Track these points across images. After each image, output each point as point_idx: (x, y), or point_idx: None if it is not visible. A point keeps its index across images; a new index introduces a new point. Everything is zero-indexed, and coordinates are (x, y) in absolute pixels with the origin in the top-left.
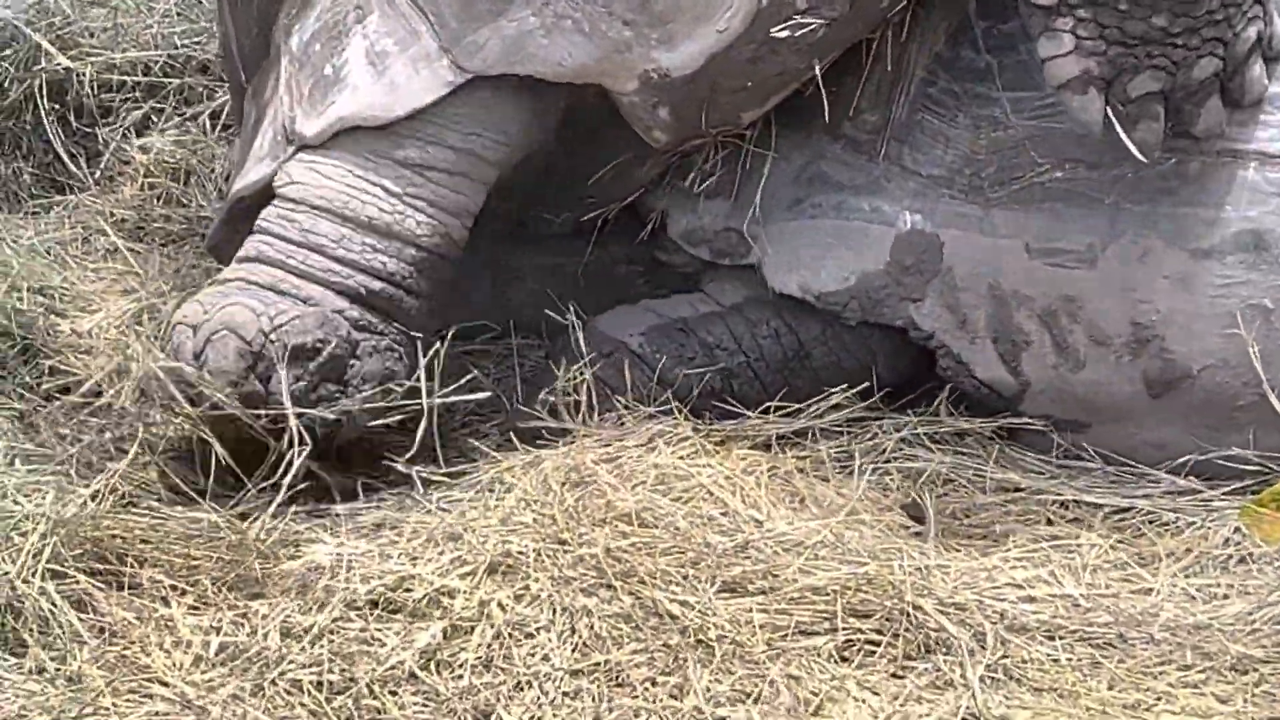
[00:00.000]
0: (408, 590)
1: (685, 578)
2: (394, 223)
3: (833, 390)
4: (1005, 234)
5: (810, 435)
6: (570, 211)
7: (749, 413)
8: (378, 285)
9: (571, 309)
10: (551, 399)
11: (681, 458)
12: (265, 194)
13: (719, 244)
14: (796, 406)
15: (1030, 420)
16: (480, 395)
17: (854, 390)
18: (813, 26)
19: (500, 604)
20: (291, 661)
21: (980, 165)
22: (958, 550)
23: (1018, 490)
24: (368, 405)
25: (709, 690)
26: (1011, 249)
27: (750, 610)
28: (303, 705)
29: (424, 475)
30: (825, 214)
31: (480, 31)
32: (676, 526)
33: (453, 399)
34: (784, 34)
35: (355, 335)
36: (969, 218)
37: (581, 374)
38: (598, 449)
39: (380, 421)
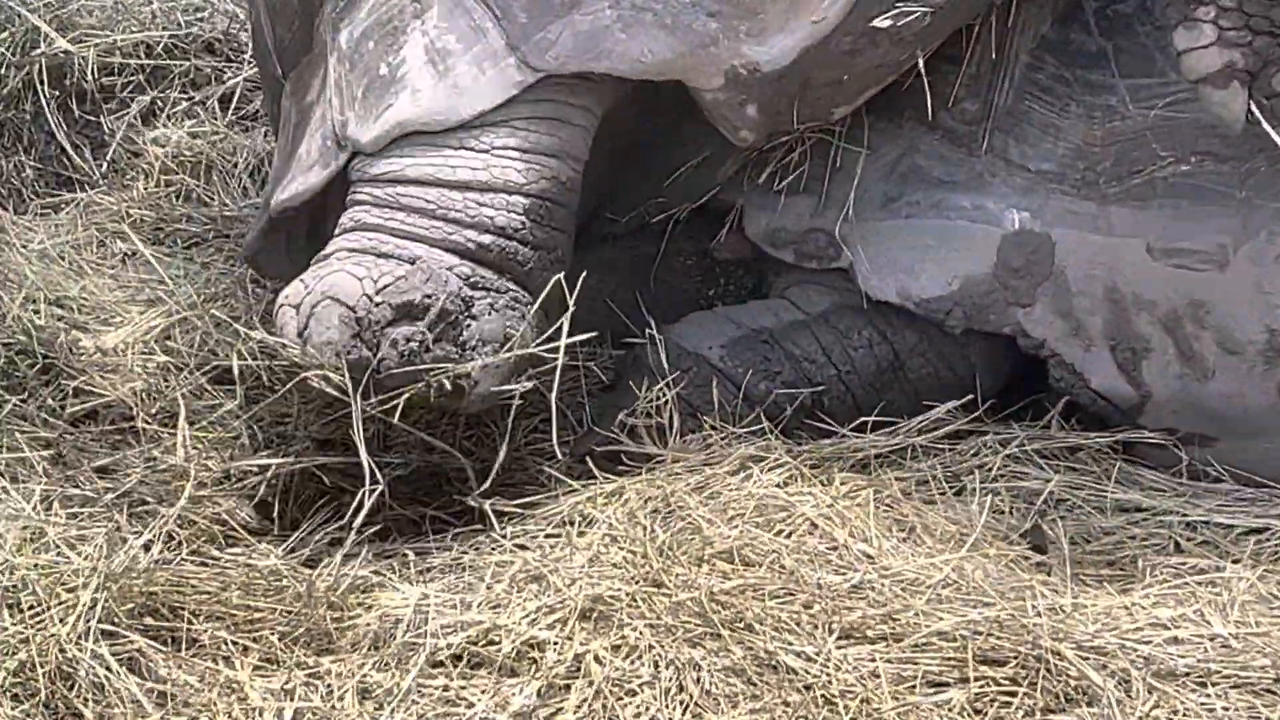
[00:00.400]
0: (493, 643)
1: (799, 624)
2: (491, 178)
3: (932, 404)
4: (1124, 233)
5: (910, 453)
6: (638, 211)
7: (845, 431)
8: (488, 239)
9: (650, 323)
10: (632, 420)
11: (779, 485)
12: (313, 204)
13: (805, 246)
14: (895, 423)
15: (1151, 434)
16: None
17: (956, 404)
18: (916, 14)
19: (596, 657)
20: None
21: (1095, 158)
22: (1089, 584)
23: (1139, 510)
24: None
25: None
26: (1131, 249)
27: (873, 660)
28: None
29: (496, 508)
30: (923, 213)
31: (551, 27)
32: (782, 565)
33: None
34: (885, 23)
35: (468, 292)
36: (1083, 215)
37: (664, 393)
38: (687, 476)
39: (506, 389)
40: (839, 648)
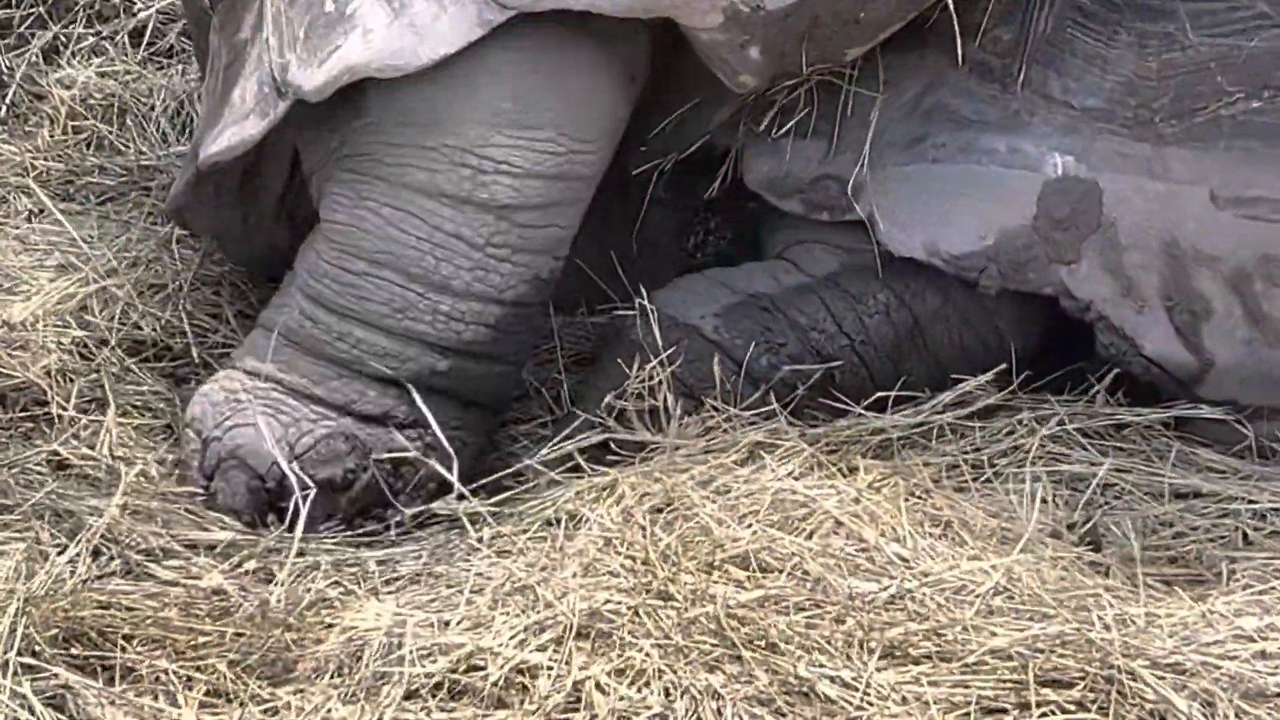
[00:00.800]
0: (477, 668)
1: (832, 643)
2: (474, 281)
3: (958, 376)
4: (1184, 179)
5: (936, 434)
6: (618, 163)
7: (860, 410)
8: (446, 364)
9: (639, 290)
10: (620, 403)
11: (795, 477)
12: (248, 158)
13: (814, 196)
14: (916, 399)
15: (1212, 408)
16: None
17: (984, 377)
18: None
19: (598, 684)
20: None
21: (1149, 94)
22: (1155, 589)
23: (1198, 496)
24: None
25: None
26: (1192, 197)
27: (919, 684)
28: None
29: (471, 510)
30: (951, 157)
31: None
32: (806, 571)
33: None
34: None
35: (400, 442)
36: (1136, 159)
37: (656, 371)
38: (689, 468)
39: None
40: (880, 670)
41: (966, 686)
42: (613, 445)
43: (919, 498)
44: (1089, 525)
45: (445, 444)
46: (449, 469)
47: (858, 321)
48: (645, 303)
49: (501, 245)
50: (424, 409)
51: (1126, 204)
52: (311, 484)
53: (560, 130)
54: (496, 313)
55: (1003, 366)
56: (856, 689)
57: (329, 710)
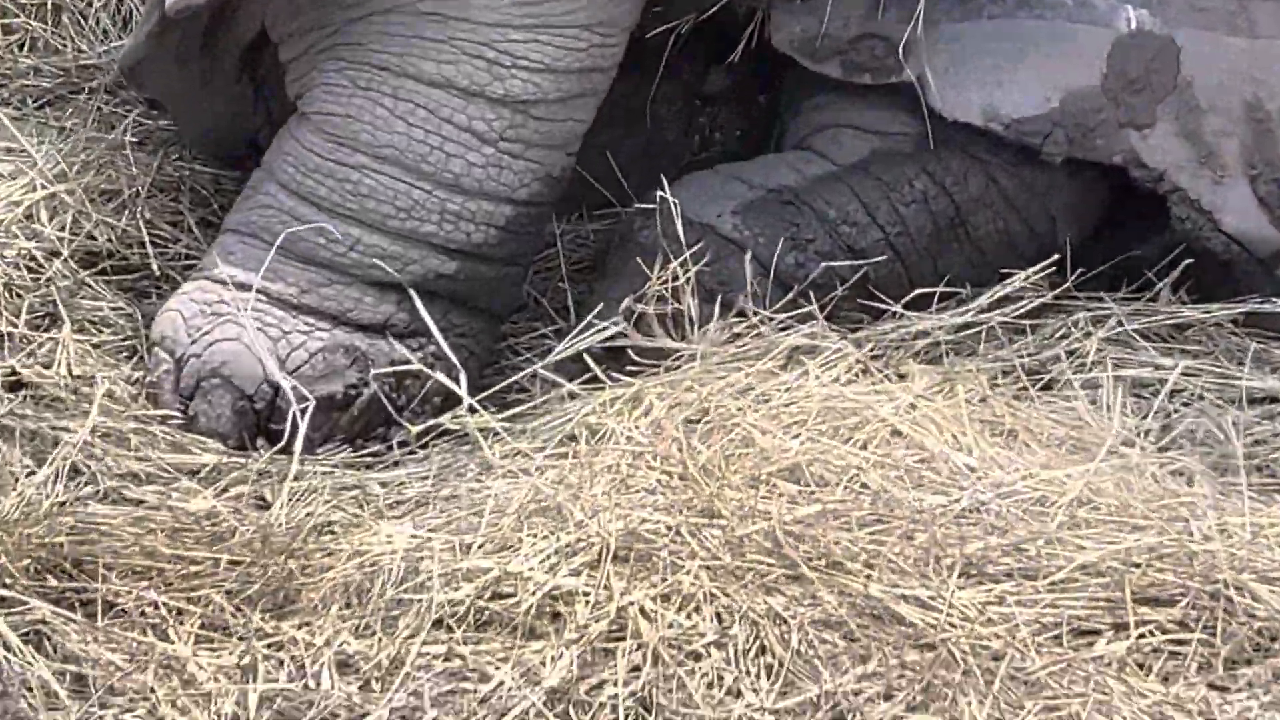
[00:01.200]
0: (506, 595)
1: (904, 561)
2: (486, 178)
3: (1006, 270)
4: (1270, 33)
5: (984, 335)
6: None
7: (899, 309)
8: (452, 266)
9: (661, 187)
10: (640, 307)
11: (842, 383)
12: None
13: (856, 56)
14: (958, 295)
15: None
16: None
17: (1034, 271)
18: None
19: (643, 610)
20: (369, 717)
21: None
22: (1253, 499)
23: (1276, 401)
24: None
25: None
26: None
27: (1005, 603)
28: None
29: (484, 424)
30: (1010, 12)
31: None
32: (865, 484)
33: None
34: None
35: (402, 353)
36: (1216, 12)
37: (678, 272)
38: (722, 376)
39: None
40: (959, 590)
41: (1055, 606)
42: (631, 354)
43: (977, 405)
44: (1168, 433)
45: (450, 354)
46: (455, 381)
47: (892, 211)
48: (664, 196)
49: (516, 140)
50: (426, 316)
51: (1206, 62)
52: (310, 398)
53: (584, 25)
54: (508, 212)
55: (1054, 259)
56: (937, 610)
57: (341, 644)
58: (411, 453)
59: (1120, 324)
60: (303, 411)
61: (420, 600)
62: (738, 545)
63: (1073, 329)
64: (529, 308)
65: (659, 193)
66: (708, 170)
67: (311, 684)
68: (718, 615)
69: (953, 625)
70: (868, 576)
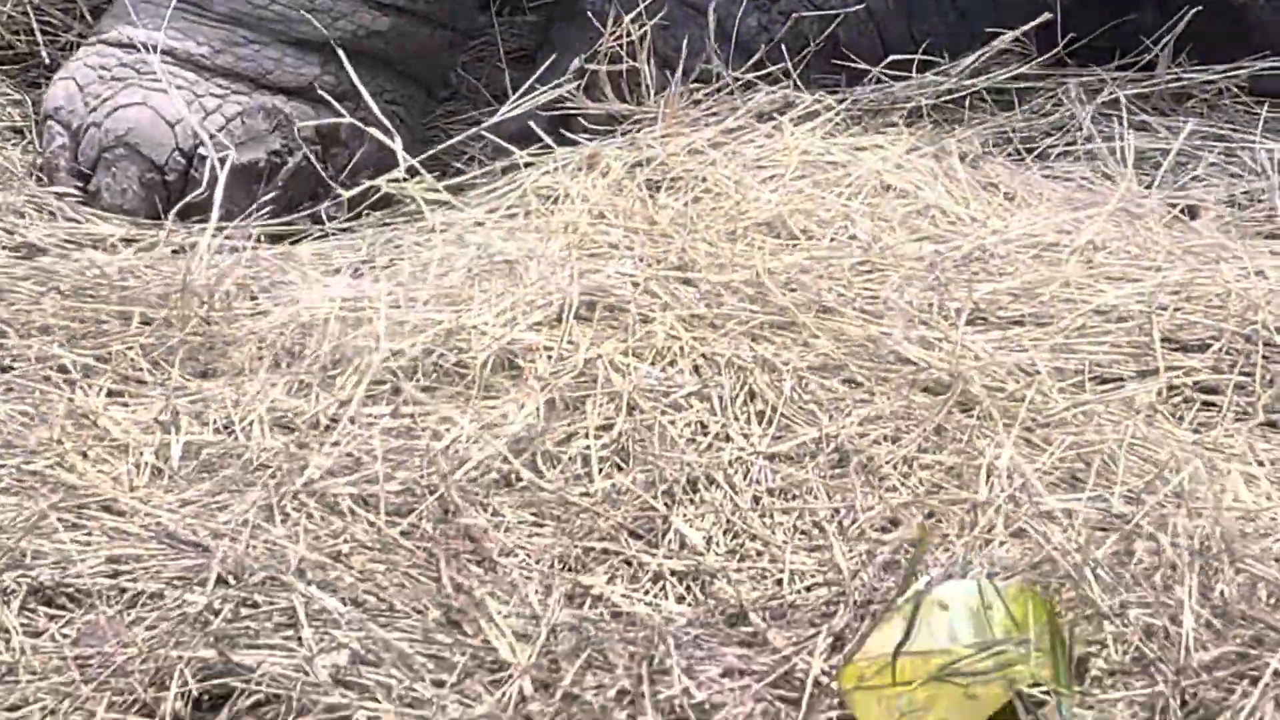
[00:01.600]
0: (459, 350)
1: (905, 305)
2: None
3: (991, 31)
4: None
5: (970, 104)
6: None
7: (878, 71)
8: (385, 23)
9: None
10: (591, 67)
11: (820, 138)
12: None
13: None
14: (939, 64)
15: None
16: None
17: (1021, 31)
18: None
19: (614, 364)
20: (309, 467)
21: None
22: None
23: None
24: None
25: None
26: None
27: (1019, 350)
28: (358, 535)
29: (426, 187)
30: None
31: None
32: (855, 235)
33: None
34: None
35: (327, 121)
36: None
37: (631, 30)
38: (688, 134)
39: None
40: (968, 333)
41: (1074, 352)
42: (582, 121)
43: (969, 167)
44: (1180, 196)
45: (382, 118)
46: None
47: None
48: None
49: None
50: (354, 76)
51: None
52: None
53: None
54: None
55: (1044, 18)
56: (942, 349)
57: (274, 402)
58: (344, 228)
59: (1115, 91)
60: (222, 161)
61: (362, 356)
62: (716, 296)
63: (1064, 98)
64: (463, 95)
65: None
66: None
67: (242, 439)
68: (696, 368)
69: (964, 366)
70: (866, 322)
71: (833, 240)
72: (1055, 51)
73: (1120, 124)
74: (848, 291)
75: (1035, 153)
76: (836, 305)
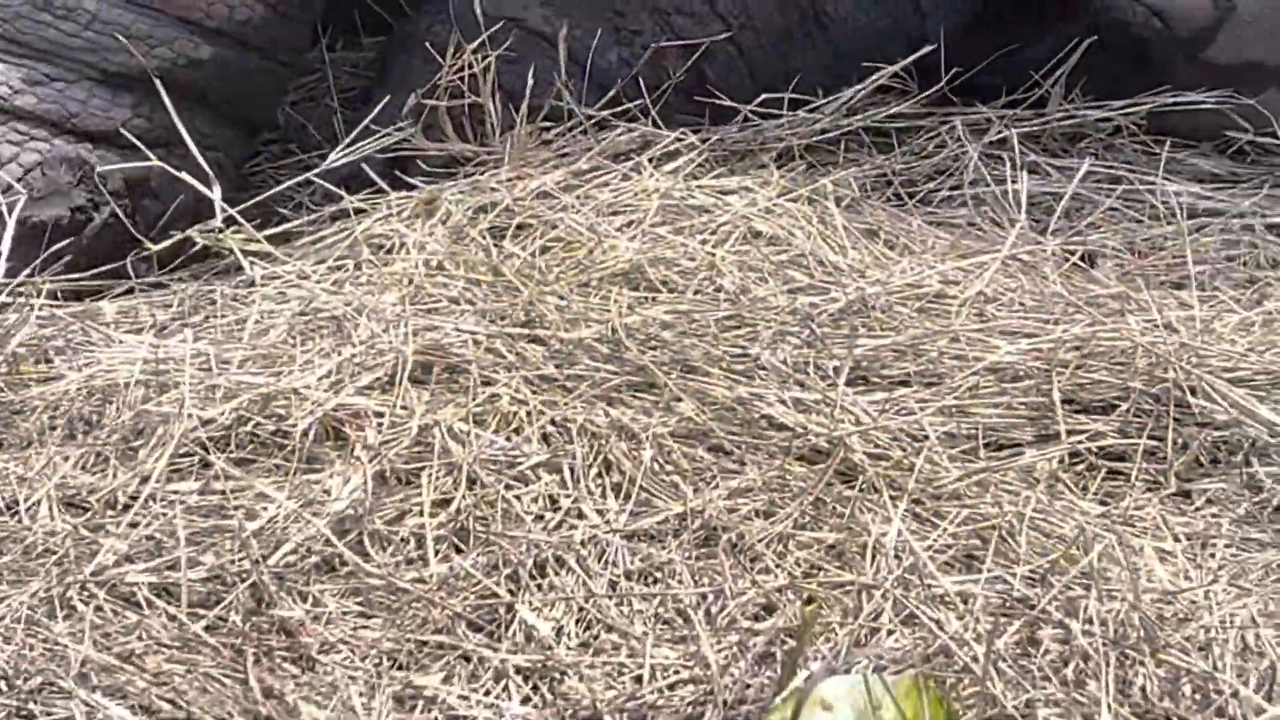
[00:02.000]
0: (278, 416)
1: (779, 365)
2: None
3: (874, 66)
4: None
5: (846, 145)
6: None
7: (749, 110)
8: (207, 52)
9: None
10: (430, 103)
11: (683, 181)
12: None
13: None
14: (811, 102)
15: (1206, 94)
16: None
17: (900, 65)
18: None
19: (452, 432)
20: (102, 552)
21: None
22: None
23: (1196, 215)
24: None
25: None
26: None
27: (908, 412)
28: (155, 631)
29: (245, 239)
30: None
31: None
32: (721, 288)
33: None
34: None
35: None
36: None
37: (471, 66)
38: (536, 177)
39: None
40: (850, 396)
41: (966, 414)
42: (420, 164)
43: (850, 210)
44: (1077, 242)
45: (202, 162)
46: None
47: None
48: None
49: None
50: (174, 114)
51: None
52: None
53: None
54: None
55: (927, 49)
56: (821, 413)
57: (65, 477)
58: (155, 284)
59: (1005, 128)
60: (10, 209)
61: (167, 425)
62: (567, 355)
63: (948, 138)
64: (291, 136)
65: None
66: None
67: (26, 519)
68: (544, 435)
69: (847, 435)
70: (735, 382)
71: (697, 293)
72: (938, 88)
73: (1010, 165)
74: (714, 349)
75: (917, 197)
76: (701, 364)
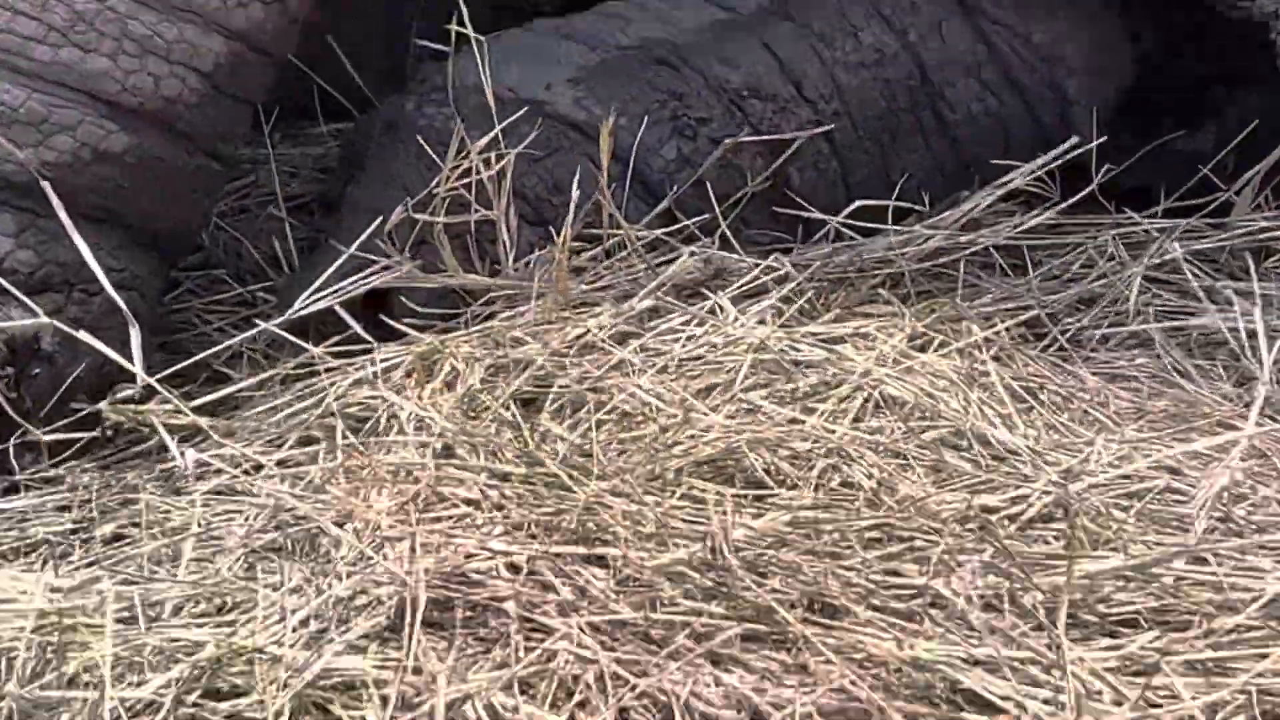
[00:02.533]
0: (234, 691)
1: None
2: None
3: (1001, 164)
4: None
5: (969, 266)
6: None
7: (839, 223)
8: (123, 142)
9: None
10: (424, 218)
11: (776, 328)
12: None
13: None
14: (916, 211)
15: None
16: None
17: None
18: None
19: (494, 710)
20: None
21: None
22: None
23: None
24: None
25: None
26: None
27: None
28: None
29: (166, 418)
30: None
31: None
32: (852, 482)
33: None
34: None
35: (24, 320)
36: None
37: (480, 168)
38: (563, 326)
39: None
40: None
41: (1228, 674)
42: (406, 302)
43: (1001, 362)
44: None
45: (117, 298)
46: (123, 351)
47: (826, 77)
48: (461, 58)
49: None
50: (76, 235)
51: None
52: None
53: None
54: (217, 49)
55: (1072, 143)
56: (1046, 682)
57: None
58: (47, 479)
59: (1168, 250)
60: None
61: (78, 704)
62: (647, 589)
63: (1098, 256)
64: (216, 260)
65: (450, 58)
66: (516, 28)
67: None
68: (623, 712)
69: None
70: (901, 631)
71: (821, 487)
72: (1087, 190)
73: (1179, 294)
74: (859, 577)
75: (1067, 335)
76: (843, 600)
